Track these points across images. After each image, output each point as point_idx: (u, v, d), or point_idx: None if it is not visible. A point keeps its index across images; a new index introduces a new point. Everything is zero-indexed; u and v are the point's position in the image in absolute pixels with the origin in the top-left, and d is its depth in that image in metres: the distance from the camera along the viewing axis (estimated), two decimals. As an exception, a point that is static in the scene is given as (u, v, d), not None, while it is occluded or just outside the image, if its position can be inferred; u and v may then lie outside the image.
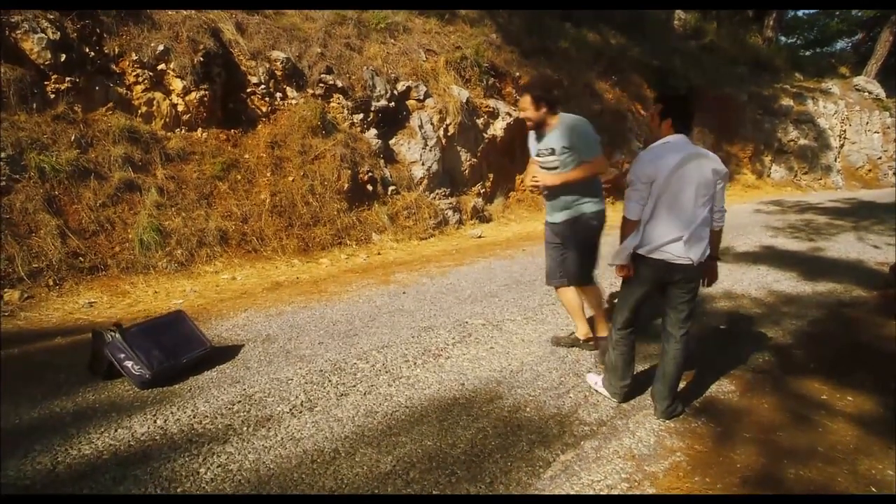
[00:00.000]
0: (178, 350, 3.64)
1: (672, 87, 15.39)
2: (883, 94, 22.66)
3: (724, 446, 3.11)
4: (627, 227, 3.21)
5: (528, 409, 3.40)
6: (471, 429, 3.15)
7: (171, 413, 3.17)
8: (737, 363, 4.21)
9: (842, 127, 20.57)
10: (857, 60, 27.46)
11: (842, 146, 20.51)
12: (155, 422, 3.08)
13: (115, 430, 2.98)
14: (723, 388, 3.81)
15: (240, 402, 3.34)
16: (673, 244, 3.12)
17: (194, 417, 3.13)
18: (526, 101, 3.84)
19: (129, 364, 3.42)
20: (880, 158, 21.09)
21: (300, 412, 3.24)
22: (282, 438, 2.96)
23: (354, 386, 3.59)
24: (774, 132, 18.49)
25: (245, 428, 3.05)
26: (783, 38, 29.39)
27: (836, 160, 20.01)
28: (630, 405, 3.52)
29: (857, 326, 5.18)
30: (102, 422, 3.07)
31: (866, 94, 22.73)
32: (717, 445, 3.12)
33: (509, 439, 3.07)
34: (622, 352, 3.46)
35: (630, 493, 2.68)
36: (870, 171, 20.70)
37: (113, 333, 3.47)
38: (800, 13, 34.84)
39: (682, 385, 3.69)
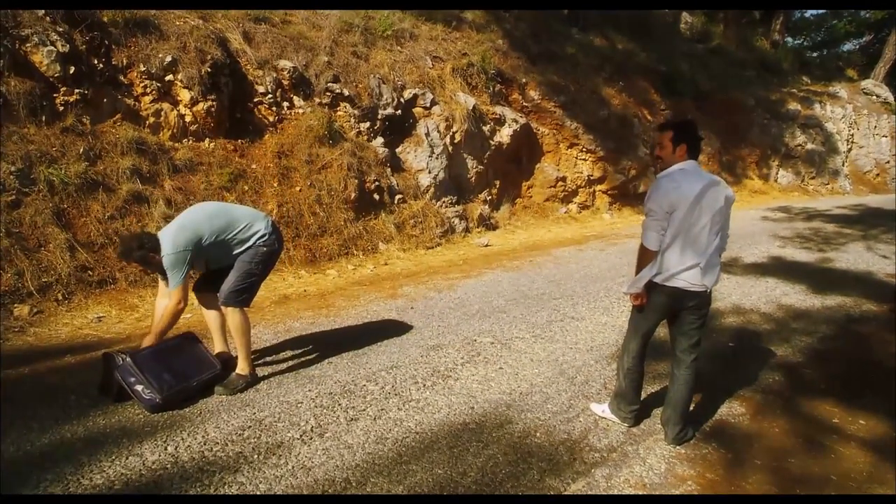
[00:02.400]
0: (189, 373, 3.64)
1: (678, 93, 15.38)
2: (891, 98, 22.55)
3: (736, 474, 3.10)
4: (646, 257, 3.18)
5: (538, 435, 3.38)
6: (481, 456, 3.14)
7: (182, 439, 3.17)
8: (746, 383, 4.20)
9: (849, 131, 20.48)
10: (864, 63, 27.33)
11: (849, 150, 20.42)
12: (166, 448, 3.08)
13: (127, 458, 2.98)
14: (733, 411, 3.79)
15: (250, 427, 3.33)
16: (689, 271, 3.12)
17: (205, 444, 3.13)
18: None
19: (139, 388, 3.42)
20: (888, 163, 20.99)
21: (311, 438, 3.23)
22: (293, 467, 2.95)
23: (364, 410, 3.59)
24: (781, 136, 18.42)
25: (256, 456, 3.04)
26: (790, 40, 29.25)
27: (843, 165, 19.93)
28: (640, 430, 3.51)
29: (867, 344, 5.16)
30: (113, 448, 3.07)
31: (874, 97, 22.62)
32: (728, 473, 3.10)
33: (520, 467, 3.06)
34: (633, 378, 3.46)
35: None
36: (878, 175, 20.61)
37: (123, 357, 3.47)
38: (807, 14, 34.67)
39: (694, 405, 3.69)
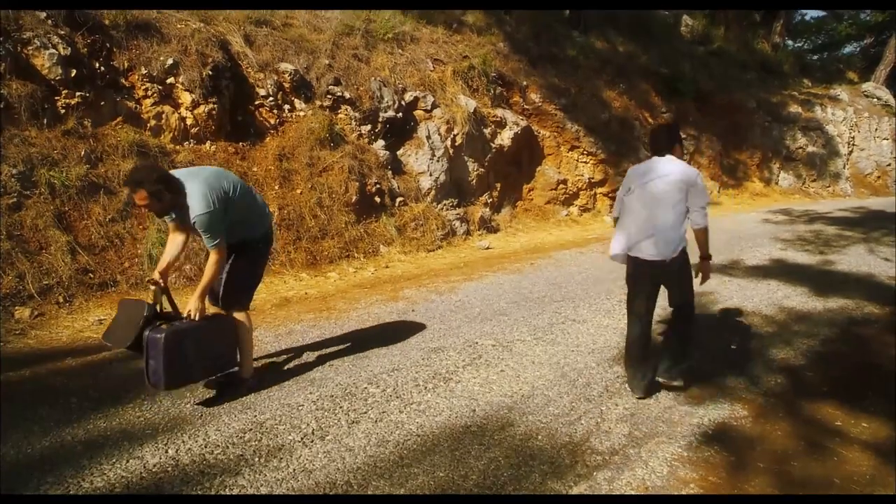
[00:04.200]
0: (206, 365, 3.55)
1: (679, 95, 15.41)
2: (892, 101, 22.54)
3: (738, 477, 3.08)
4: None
5: (539, 437, 3.37)
6: (483, 459, 3.13)
7: (183, 442, 3.17)
8: (749, 386, 4.18)
9: (850, 134, 20.47)
10: (865, 66, 27.32)
11: (850, 153, 20.41)
12: (166, 451, 3.07)
13: (127, 461, 2.97)
14: (736, 414, 3.77)
15: (251, 430, 3.33)
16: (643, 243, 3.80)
17: (206, 447, 3.12)
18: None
19: (153, 364, 3.32)
20: (889, 165, 20.97)
21: (312, 441, 3.22)
22: (294, 470, 2.94)
23: (366, 412, 3.58)
24: (783, 139, 18.42)
25: (257, 459, 3.04)
26: (790, 43, 29.27)
27: (844, 167, 19.91)
28: (642, 432, 3.49)
29: (869, 346, 5.14)
30: (114, 451, 3.07)
31: (875, 100, 22.61)
32: (730, 476, 3.09)
33: (521, 470, 3.04)
34: (635, 345, 3.92)
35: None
36: (879, 178, 20.58)
37: (162, 325, 3.38)
38: (807, 17, 34.71)
39: (697, 408, 3.69)
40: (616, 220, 4.04)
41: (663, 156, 3.88)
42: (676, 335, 3.98)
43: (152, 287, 3.51)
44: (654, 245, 3.72)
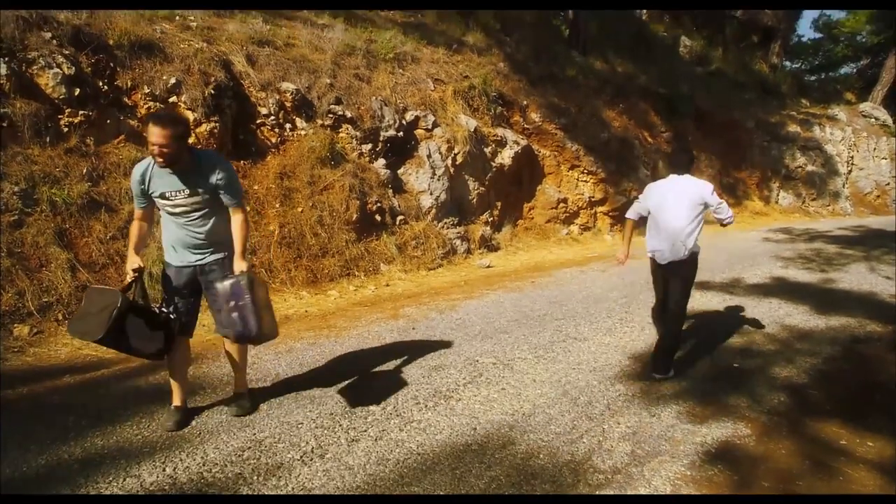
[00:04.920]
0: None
1: (679, 115, 15.50)
2: (890, 121, 22.69)
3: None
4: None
5: (541, 456, 3.34)
6: (484, 478, 3.09)
7: (181, 460, 3.13)
8: (752, 404, 4.15)
9: (849, 153, 20.57)
10: (862, 86, 27.58)
11: (850, 172, 20.49)
12: (164, 470, 3.04)
13: (124, 480, 2.94)
14: (739, 433, 3.74)
15: (250, 448, 3.29)
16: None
17: (203, 465, 3.09)
18: None
19: (234, 316, 3.29)
20: (888, 184, 21.04)
21: (311, 460, 3.19)
22: (293, 489, 2.91)
23: (366, 431, 3.54)
24: (782, 158, 18.50)
25: (255, 477, 3.00)
26: (788, 64, 29.56)
27: (844, 186, 19.98)
28: (644, 451, 3.46)
29: (872, 365, 5.11)
30: (111, 469, 3.03)
31: (873, 120, 22.75)
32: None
33: (523, 489, 3.01)
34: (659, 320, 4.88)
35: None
36: (878, 197, 20.64)
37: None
38: (804, 38, 35.11)
39: (700, 426, 3.67)
40: (630, 220, 4.99)
41: (681, 174, 4.66)
42: (667, 333, 4.64)
43: (133, 275, 3.32)
44: (671, 248, 4.49)
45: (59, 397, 3.96)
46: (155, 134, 3.15)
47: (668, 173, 4.76)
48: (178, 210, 3.41)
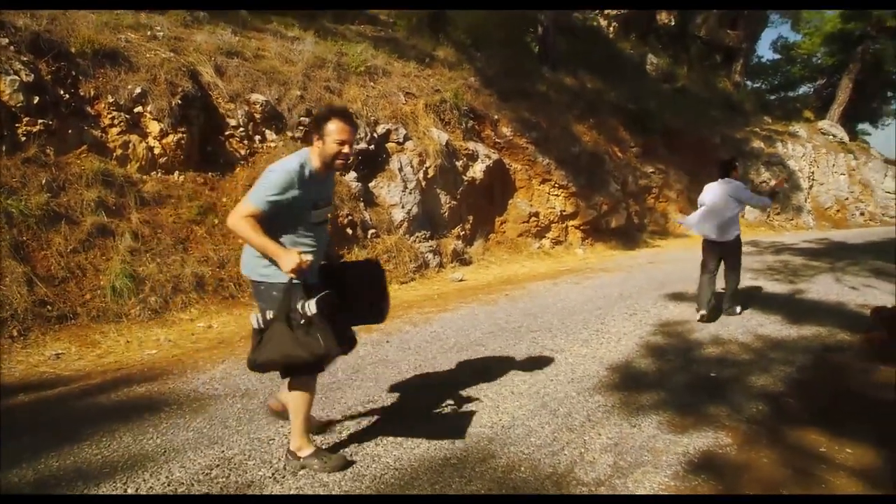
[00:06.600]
0: None
1: (648, 131, 15.72)
2: (846, 138, 23.44)
3: (728, 507, 2.99)
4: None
5: (522, 469, 3.24)
6: (464, 493, 2.98)
7: (144, 480, 2.95)
8: (730, 413, 4.12)
9: (810, 169, 21.13)
10: (819, 105, 28.50)
11: (811, 187, 21.03)
12: (125, 490, 2.86)
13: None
14: (720, 442, 3.69)
15: (218, 466, 3.13)
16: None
17: (168, 485, 2.92)
18: None
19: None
20: (847, 199, 21.66)
21: (283, 477, 3.04)
22: (264, 508, 2.76)
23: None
24: (747, 174, 18.87)
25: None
26: (749, 83, 30.43)
27: (806, 201, 20.49)
28: (627, 462, 3.38)
29: (845, 372, 5.14)
30: (66, 492, 2.84)
31: (831, 137, 23.46)
32: (720, 506, 3.00)
33: None
34: (704, 287, 6.46)
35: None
36: (838, 211, 21.21)
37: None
38: (764, 59, 36.24)
39: (681, 437, 3.61)
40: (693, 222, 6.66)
41: (723, 178, 6.59)
42: (730, 288, 6.72)
43: (307, 262, 2.84)
44: (718, 232, 6.39)
45: (12, 417, 3.73)
46: (347, 132, 2.90)
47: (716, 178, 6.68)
48: (321, 220, 3.10)
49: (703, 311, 6.36)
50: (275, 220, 2.88)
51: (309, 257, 2.86)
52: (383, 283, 3.30)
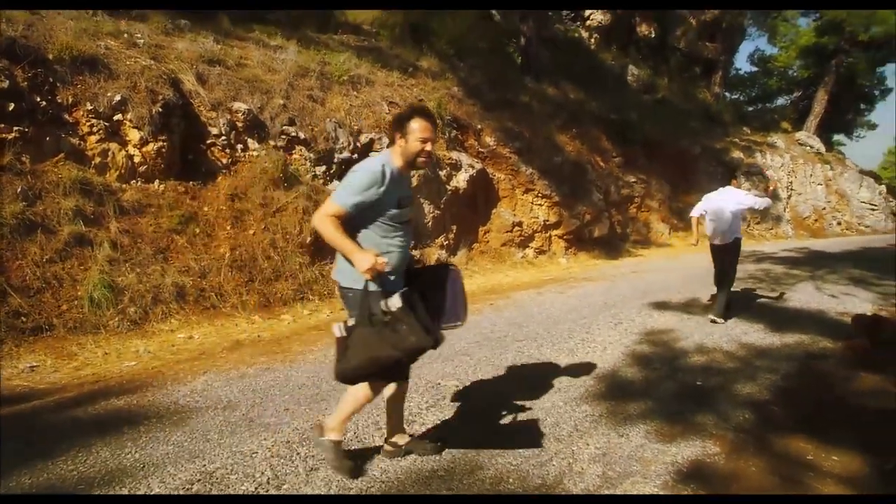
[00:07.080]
0: None
1: (629, 141, 15.82)
2: (823, 149, 23.84)
3: (718, 516, 2.96)
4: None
5: (510, 480, 3.19)
6: (452, 505, 2.93)
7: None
8: (718, 422, 4.11)
9: (788, 179, 21.44)
10: (796, 117, 29.02)
11: (790, 197, 21.32)
12: (102, 508, 2.77)
13: (57, 520, 2.66)
14: (708, 451, 3.67)
15: (199, 480, 3.04)
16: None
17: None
18: None
19: (448, 302, 3.12)
20: (825, 209, 21.98)
21: (267, 491, 2.96)
22: (247, 524, 2.68)
23: (325, 459, 3.33)
24: (727, 183, 19.10)
25: (205, 512, 2.76)
26: (727, 95, 30.90)
27: (785, 211, 20.75)
28: (615, 472, 3.35)
29: (828, 380, 5.17)
30: (41, 509, 2.75)
31: (808, 147, 23.85)
32: (710, 516, 2.97)
33: (494, 516, 2.86)
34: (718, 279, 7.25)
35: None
36: (816, 220, 21.51)
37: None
38: (742, 71, 36.87)
39: (669, 446, 3.59)
40: (697, 216, 7.31)
41: (726, 186, 7.20)
42: (721, 294, 7.08)
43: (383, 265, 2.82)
44: (721, 237, 6.99)
45: (-16, 432, 3.61)
46: (429, 130, 2.90)
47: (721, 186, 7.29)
48: (406, 219, 3.07)
49: (721, 320, 6.87)
50: (362, 221, 2.93)
51: (395, 257, 2.94)
52: (460, 285, 3.25)
